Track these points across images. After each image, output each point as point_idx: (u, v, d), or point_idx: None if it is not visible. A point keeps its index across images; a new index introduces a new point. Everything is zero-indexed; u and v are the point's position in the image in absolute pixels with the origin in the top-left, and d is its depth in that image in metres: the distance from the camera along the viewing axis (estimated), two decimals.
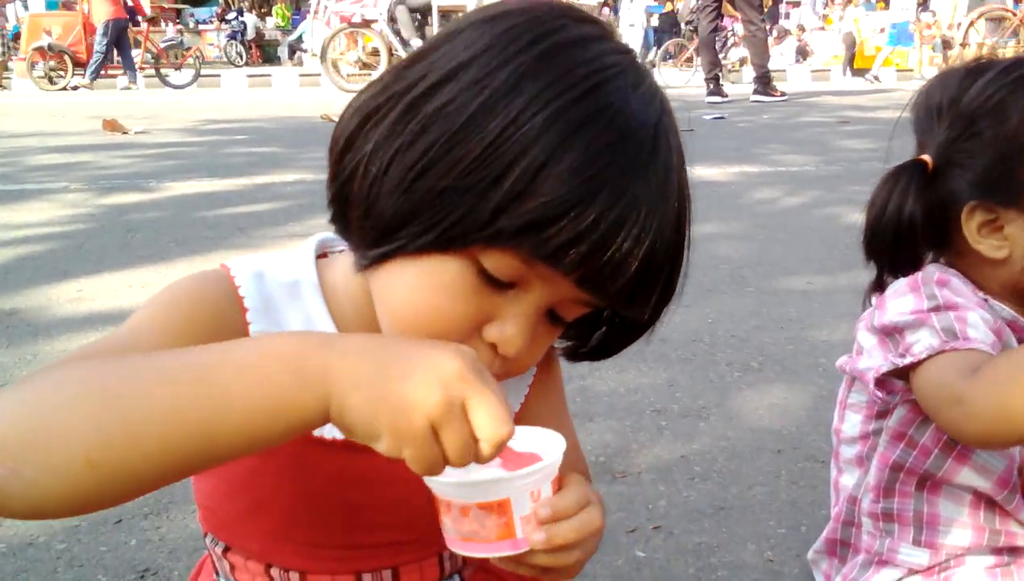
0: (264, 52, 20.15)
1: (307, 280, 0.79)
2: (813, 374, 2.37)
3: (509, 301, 0.70)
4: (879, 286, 1.16)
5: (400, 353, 0.59)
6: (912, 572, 1.17)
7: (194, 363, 0.58)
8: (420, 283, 0.69)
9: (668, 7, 18.81)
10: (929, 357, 0.97)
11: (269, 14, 21.57)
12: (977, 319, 0.99)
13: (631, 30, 15.98)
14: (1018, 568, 1.15)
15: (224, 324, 0.74)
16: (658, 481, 1.84)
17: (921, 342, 1.00)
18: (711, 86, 9.62)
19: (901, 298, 1.07)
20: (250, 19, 20.15)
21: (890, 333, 1.06)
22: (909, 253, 1.12)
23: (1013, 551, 1.16)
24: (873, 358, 1.10)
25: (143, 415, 0.56)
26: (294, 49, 18.16)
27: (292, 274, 0.79)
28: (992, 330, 0.99)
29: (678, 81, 13.78)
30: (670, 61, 18.27)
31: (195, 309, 0.73)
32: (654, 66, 16.30)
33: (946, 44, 15.33)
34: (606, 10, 17.86)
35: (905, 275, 1.12)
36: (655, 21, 18.24)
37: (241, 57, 18.83)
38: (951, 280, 1.06)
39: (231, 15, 19.90)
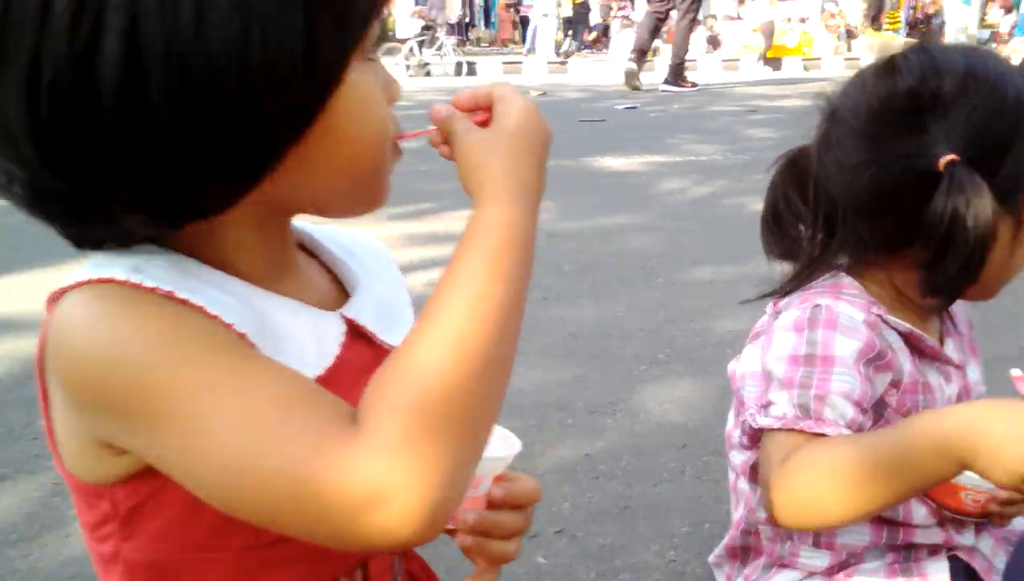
0: None
1: (172, 257, 0.64)
2: (720, 366, 2.33)
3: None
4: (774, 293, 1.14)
5: None
6: (812, 574, 1.16)
7: None
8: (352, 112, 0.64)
9: None
10: (779, 428, 0.98)
11: None
12: (838, 398, 0.97)
13: (544, 20, 16.00)
14: (917, 565, 1.14)
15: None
16: (562, 482, 1.80)
17: (778, 407, 0.99)
18: (670, 75, 9.82)
19: (785, 334, 1.05)
20: None
21: (767, 374, 1.05)
22: (784, 239, 1.11)
23: (910, 548, 1.15)
24: (748, 389, 1.09)
25: None
26: None
27: (157, 261, 0.63)
28: (857, 400, 0.98)
29: (592, 72, 13.86)
30: (585, 52, 18.39)
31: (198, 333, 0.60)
32: (569, 56, 16.37)
33: (850, 34, 15.80)
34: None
35: (783, 256, 1.12)
36: (568, 11, 18.29)
37: None
38: (839, 315, 1.02)
39: None
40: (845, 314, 1.03)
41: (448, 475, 0.56)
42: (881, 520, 1.13)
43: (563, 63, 15.03)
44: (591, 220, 3.95)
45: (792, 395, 0.99)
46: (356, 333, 0.74)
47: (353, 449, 0.54)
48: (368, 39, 0.64)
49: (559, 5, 17.10)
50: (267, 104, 0.57)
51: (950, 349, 1.12)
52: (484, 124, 0.69)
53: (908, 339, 1.07)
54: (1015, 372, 0.92)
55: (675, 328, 2.63)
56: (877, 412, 1.05)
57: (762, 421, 1.00)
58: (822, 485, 0.92)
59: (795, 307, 1.08)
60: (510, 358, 0.62)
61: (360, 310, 0.76)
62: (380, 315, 0.78)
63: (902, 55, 1.04)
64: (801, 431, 0.97)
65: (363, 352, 0.74)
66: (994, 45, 16.38)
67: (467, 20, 20.36)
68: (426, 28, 15.31)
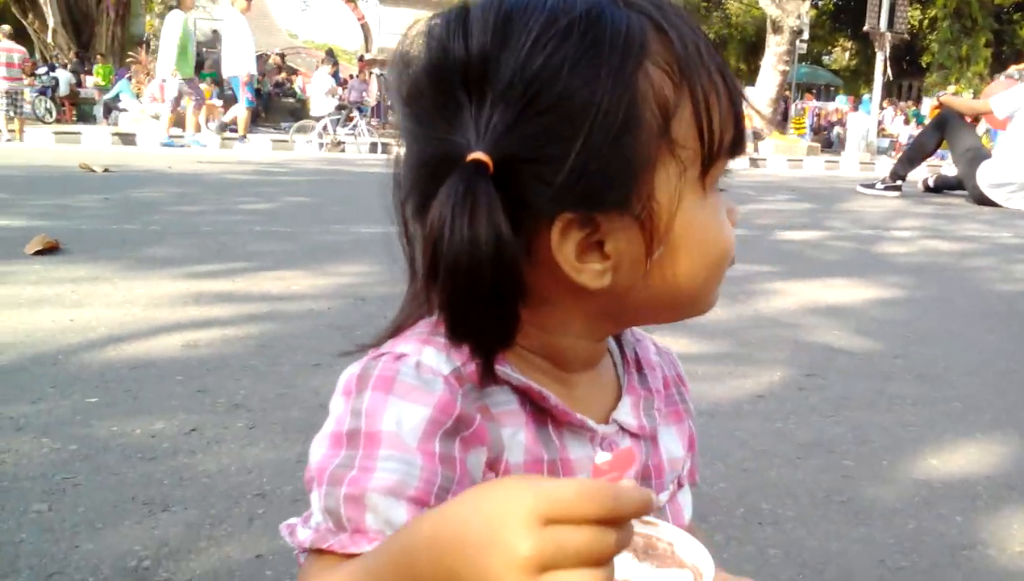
0: (80, 110, 18.96)
1: None
2: None
3: None
4: None
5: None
6: None
7: None
8: None
9: None
10: (310, 547, 0.65)
11: (89, 73, 20.35)
12: (380, 498, 0.62)
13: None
14: None
15: None
16: None
17: (313, 516, 0.66)
18: None
19: (336, 400, 0.68)
20: (63, 75, 18.93)
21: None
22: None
23: None
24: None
25: None
26: (110, 108, 17.17)
27: None
28: (415, 495, 0.62)
29: None
30: None
31: None
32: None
33: (757, 136, 16.13)
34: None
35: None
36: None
37: (51, 114, 17.58)
38: (400, 370, 0.65)
39: (41, 70, 18.63)
40: (412, 366, 0.65)
41: None
42: None
43: None
44: None
45: (321, 495, 0.64)
46: None
47: None
48: None
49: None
50: None
51: (625, 411, 0.74)
52: None
53: (530, 394, 0.69)
54: (600, 458, 0.55)
55: None
56: None
57: (301, 535, 0.65)
58: None
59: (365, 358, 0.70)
60: None
61: None
62: None
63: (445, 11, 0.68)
64: (330, 551, 0.63)
65: None
66: (894, 153, 16.97)
67: (387, 104, 20.35)
68: (340, 108, 15.26)
